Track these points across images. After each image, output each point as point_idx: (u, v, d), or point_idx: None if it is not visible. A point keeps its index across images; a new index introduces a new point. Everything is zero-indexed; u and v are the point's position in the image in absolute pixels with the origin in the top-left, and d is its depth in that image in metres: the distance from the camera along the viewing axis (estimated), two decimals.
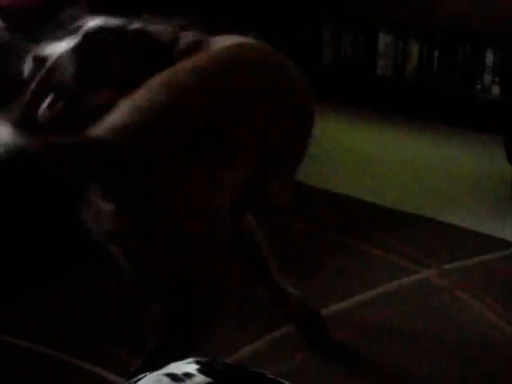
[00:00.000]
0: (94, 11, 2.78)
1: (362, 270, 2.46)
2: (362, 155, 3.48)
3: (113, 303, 2.22)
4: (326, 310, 2.22)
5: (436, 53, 3.84)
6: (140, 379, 1.22)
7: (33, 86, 1.70)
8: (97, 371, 1.96)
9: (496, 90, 3.64)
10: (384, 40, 3.97)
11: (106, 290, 2.26)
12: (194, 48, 1.74)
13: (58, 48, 1.73)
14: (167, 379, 1.19)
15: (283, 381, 1.37)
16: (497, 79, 3.66)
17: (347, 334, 2.14)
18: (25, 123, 1.59)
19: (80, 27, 1.77)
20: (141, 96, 1.59)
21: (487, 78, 3.72)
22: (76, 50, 1.71)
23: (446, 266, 2.49)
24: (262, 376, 1.38)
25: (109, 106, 1.58)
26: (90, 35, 1.73)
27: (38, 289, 2.27)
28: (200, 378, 1.21)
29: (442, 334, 2.16)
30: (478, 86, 3.75)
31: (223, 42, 1.81)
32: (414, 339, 2.13)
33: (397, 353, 2.07)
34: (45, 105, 1.65)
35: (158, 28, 1.79)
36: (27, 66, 1.77)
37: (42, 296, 2.26)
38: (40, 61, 1.73)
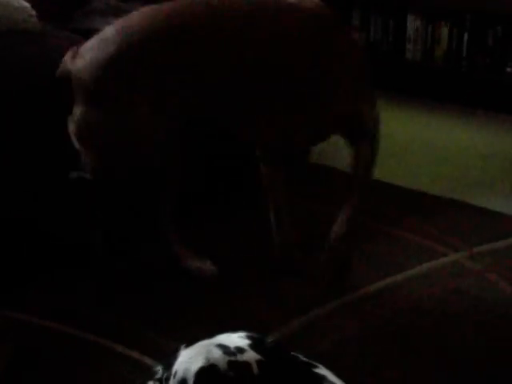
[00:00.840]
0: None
1: (393, 253, 2.46)
2: (391, 140, 3.47)
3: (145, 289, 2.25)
4: (359, 292, 2.24)
5: (466, 36, 3.81)
6: (190, 346, 1.24)
7: None
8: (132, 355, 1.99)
9: None
10: (413, 24, 3.96)
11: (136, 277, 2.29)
12: None
13: None
14: (219, 351, 1.21)
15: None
16: None
17: (380, 315, 2.15)
18: None
19: None
20: None
21: None
22: None
23: (477, 249, 2.49)
24: (310, 366, 1.38)
25: None
26: None
27: (73, 276, 2.30)
28: (251, 353, 1.22)
29: (472, 315, 2.16)
30: (509, 69, 3.73)
31: None
32: (445, 320, 2.13)
33: (428, 333, 2.08)
34: None
35: None
36: None
37: (77, 283, 2.29)
38: None
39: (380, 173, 3.03)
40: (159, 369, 1.27)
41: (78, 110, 2.10)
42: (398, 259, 2.43)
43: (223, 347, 1.21)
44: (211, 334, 1.27)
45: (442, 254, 2.45)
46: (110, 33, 2.11)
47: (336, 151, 3.17)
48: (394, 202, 2.78)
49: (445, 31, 3.88)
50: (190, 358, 1.20)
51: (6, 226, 2.22)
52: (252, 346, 1.23)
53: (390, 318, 2.14)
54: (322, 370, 1.39)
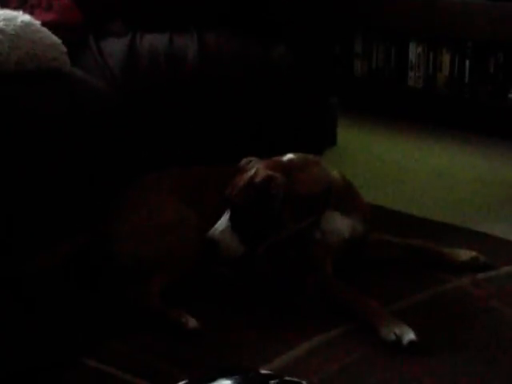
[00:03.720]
0: (131, 26, 2.84)
1: (395, 279, 2.46)
2: (394, 166, 3.49)
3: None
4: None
5: (467, 63, 3.84)
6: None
7: None
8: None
9: None
10: (415, 51, 3.99)
11: None
12: None
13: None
14: None
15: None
16: None
17: (381, 342, 2.14)
18: None
19: None
20: None
21: None
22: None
23: (480, 276, 2.48)
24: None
25: None
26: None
27: None
28: None
29: (476, 343, 2.15)
30: (511, 96, 3.75)
31: None
32: (449, 348, 2.12)
33: (429, 362, 2.07)
34: None
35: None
36: None
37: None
38: None
39: (382, 199, 3.05)
40: None
41: None
42: (399, 285, 2.43)
43: None
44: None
45: (445, 281, 2.45)
46: None
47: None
48: (396, 227, 2.77)
49: (446, 58, 3.91)
50: None
51: None
52: None
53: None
54: None
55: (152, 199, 2.43)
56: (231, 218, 2.27)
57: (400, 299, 2.34)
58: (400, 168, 3.47)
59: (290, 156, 2.37)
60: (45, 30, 2.41)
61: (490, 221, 2.93)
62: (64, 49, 2.43)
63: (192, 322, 2.18)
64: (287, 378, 1.51)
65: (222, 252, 2.27)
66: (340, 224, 2.42)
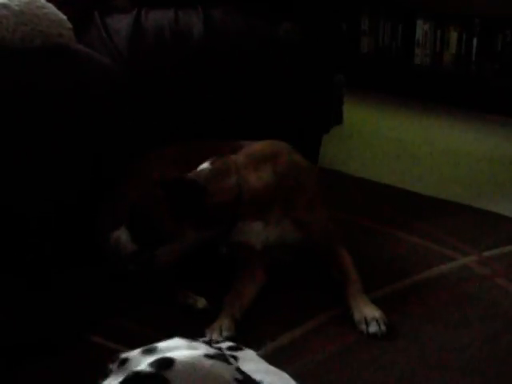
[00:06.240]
0: (136, 2, 2.82)
1: (402, 258, 2.46)
2: (400, 144, 3.49)
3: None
4: (369, 297, 2.23)
5: (475, 40, 3.82)
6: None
7: None
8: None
9: None
10: (422, 28, 3.96)
11: None
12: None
13: None
14: None
15: None
16: None
17: (388, 321, 2.14)
18: None
19: None
20: None
21: None
22: None
23: (486, 254, 2.48)
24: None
25: None
26: None
27: None
28: None
29: (481, 321, 2.15)
30: None
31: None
32: (454, 326, 2.13)
33: (437, 339, 2.07)
34: None
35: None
36: None
37: None
38: None
39: (388, 177, 3.05)
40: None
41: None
42: (405, 264, 2.43)
43: None
44: None
45: (451, 259, 2.45)
46: None
47: (347, 157, 3.19)
48: (403, 205, 2.77)
49: (454, 36, 3.88)
50: None
51: None
52: None
53: (396, 323, 2.13)
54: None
55: (156, 174, 2.42)
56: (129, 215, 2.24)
57: (405, 277, 2.34)
58: (406, 146, 3.46)
59: (203, 166, 2.26)
60: (50, 5, 2.39)
61: (496, 199, 2.93)
62: (69, 25, 2.42)
63: (201, 303, 2.19)
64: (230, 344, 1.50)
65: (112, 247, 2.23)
66: (253, 234, 2.28)
